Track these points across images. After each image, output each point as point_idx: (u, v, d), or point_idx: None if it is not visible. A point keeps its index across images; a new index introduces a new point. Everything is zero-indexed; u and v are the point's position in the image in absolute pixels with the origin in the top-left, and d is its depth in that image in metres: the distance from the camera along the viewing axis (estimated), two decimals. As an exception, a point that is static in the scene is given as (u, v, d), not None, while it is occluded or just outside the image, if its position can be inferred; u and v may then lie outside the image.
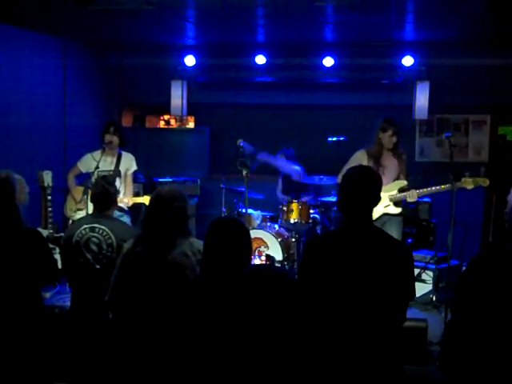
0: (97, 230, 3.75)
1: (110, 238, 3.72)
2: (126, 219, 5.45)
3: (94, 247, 3.72)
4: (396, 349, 2.58)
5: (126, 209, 5.61)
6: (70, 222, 5.57)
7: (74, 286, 3.87)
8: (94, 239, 3.73)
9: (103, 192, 3.82)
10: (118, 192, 4.20)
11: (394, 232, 5.06)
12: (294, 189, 6.60)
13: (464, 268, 5.55)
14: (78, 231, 3.77)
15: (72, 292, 3.90)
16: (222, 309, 2.38)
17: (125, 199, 5.51)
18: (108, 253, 3.69)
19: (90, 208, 5.19)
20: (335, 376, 2.51)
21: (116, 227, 3.79)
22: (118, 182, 5.50)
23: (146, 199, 5.45)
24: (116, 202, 4.01)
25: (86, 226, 3.79)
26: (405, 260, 2.64)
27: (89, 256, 3.72)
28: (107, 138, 5.59)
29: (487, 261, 2.56)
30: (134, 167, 5.82)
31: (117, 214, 5.23)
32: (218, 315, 2.39)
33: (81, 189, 5.43)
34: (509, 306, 2.41)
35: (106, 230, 3.74)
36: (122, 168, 5.70)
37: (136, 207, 5.66)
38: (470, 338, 2.49)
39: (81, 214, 5.13)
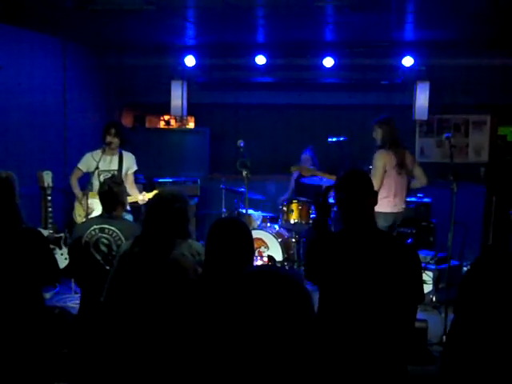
0: (106, 230, 3.74)
1: (119, 238, 3.71)
2: (129, 219, 5.44)
3: (103, 248, 3.71)
4: (401, 351, 2.57)
5: (129, 208, 5.61)
6: None
7: (84, 287, 3.86)
8: (103, 240, 3.72)
9: (107, 191, 3.82)
10: (126, 192, 4.15)
11: None
12: (309, 193, 6.61)
13: (465, 268, 5.59)
14: (88, 232, 3.76)
15: (81, 293, 3.89)
16: (225, 310, 2.36)
17: (140, 196, 5.51)
18: None
19: (94, 212, 5.25)
20: (341, 377, 2.51)
21: (126, 228, 3.78)
22: None
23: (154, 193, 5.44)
24: (124, 203, 3.98)
25: (95, 226, 3.78)
26: (412, 263, 2.62)
27: (98, 257, 3.71)
28: (108, 139, 5.58)
29: (491, 261, 2.55)
30: (135, 167, 5.83)
31: None
32: (221, 316, 2.38)
33: (85, 193, 5.45)
34: None
35: (116, 230, 3.73)
36: (124, 168, 5.70)
37: (137, 207, 5.66)
38: (473, 338, 2.48)
39: None
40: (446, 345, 2.72)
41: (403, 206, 5.40)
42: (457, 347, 2.56)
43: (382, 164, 5.22)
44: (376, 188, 4.93)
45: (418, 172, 5.50)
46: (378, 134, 5.39)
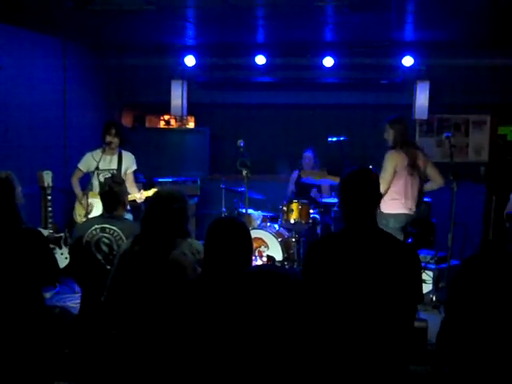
0: (107, 230, 3.75)
1: (120, 238, 3.72)
2: (129, 218, 5.45)
3: (104, 248, 3.72)
4: (403, 351, 2.56)
5: (129, 208, 5.60)
6: None
7: (84, 286, 3.87)
8: (104, 240, 3.73)
9: (108, 191, 3.83)
10: (127, 192, 4.16)
11: None
12: (309, 193, 6.62)
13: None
14: (89, 231, 3.77)
15: (82, 292, 3.90)
16: (225, 309, 2.37)
17: (137, 195, 5.51)
18: None
19: (94, 211, 5.25)
20: (341, 378, 2.51)
21: (127, 228, 3.78)
22: None
23: (153, 192, 5.41)
24: (125, 202, 3.98)
25: (96, 226, 3.78)
26: (412, 263, 2.60)
27: (99, 256, 3.72)
28: (108, 138, 5.59)
29: (482, 261, 2.54)
30: (134, 166, 5.83)
31: None
32: (221, 315, 2.38)
33: (85, 193, 5.46)
34: (504, 306, 2.40)
35: (117, 230, 3.74)
36: (123, 167, 5.70)
37: (138, 206, 5.66)
38: (464, 337, 2.48)
39: None
40: (436, 345, 2.70)
41: (414, 209, 5.32)
42: (448, 347, 2.56)
43: (392, 165, 5.11)
44: (383, 190, 4.93)
45: (432, 172, 5.37)
46: (389, 135, 5.26)
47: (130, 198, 5.50)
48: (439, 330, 2.64)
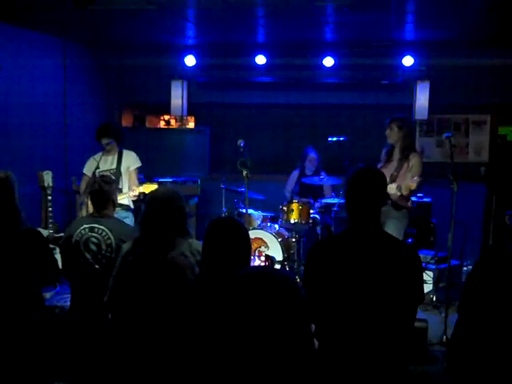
0: (96, 229, 3.75)
1: (109, 238, 3.72)
2: (131, 219, 5.43)
3: (93, 247, 3.72)
4: (403, 351, 2.56)
5: (132, 207, 5.57)
6: None
7: (74, 286, 3.88)
8: (93, 239, 3.73)
9: (98, 190, 3.82)
10: (117, 191, 4.15)
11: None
12: (311, 193, 6.62)
13: (465, 268, 5.55)
14: (78, 231, 3.77)
15: (71, 291, 3.90)
16: (222, 310, 2.37)
17: (131, 193, 5.45)
18: (107, 253, 3.69)
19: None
20: (342, 378, 2.51)
21: (115, 227, 3.78)
22: (120, 181, 5.50)
23: (145, 188, 5.34)
24: (114, 202, 3.97)
25: (85, 225, 3.79)
26: (413, 264, 2.59)
27: (88, 256, 3.72)
28: (102, 141, 5.58)
29: (497, 262, 2.54)
30: (137, 163, 5.72)
31: (123, 214, 5.23)
32: (218, 317, 2.38)
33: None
34: None
35: (105, 230, 3.74)
36: (123, 166, 5.66)
37: (139, 207, 5.63)
38: (479, 339, 2.47)
39: None
40: (450, 346, 2.68)
41: None
42: (461, 348, 2.55)
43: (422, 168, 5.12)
44: (409, 191, 4.97)
45: None
46: (394, 134, 5.14)
47: (122, 195, 5.44)
48: (453, 332, 2.62)
